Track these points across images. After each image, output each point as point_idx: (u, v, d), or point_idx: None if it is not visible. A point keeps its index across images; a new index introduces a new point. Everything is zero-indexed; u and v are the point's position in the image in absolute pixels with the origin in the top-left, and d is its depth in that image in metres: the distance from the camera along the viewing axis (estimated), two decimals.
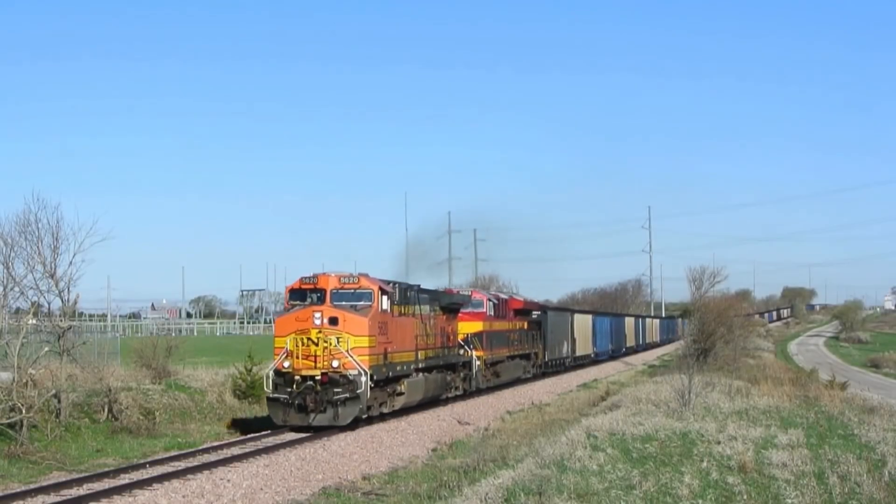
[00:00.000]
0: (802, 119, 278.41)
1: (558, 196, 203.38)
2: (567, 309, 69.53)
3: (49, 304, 28.56)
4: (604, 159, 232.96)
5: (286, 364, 27.52)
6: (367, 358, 27.53)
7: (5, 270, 28.24)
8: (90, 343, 35.33)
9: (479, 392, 40.28)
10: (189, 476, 21.04)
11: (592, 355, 67.31)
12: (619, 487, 17.68)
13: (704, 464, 20.16)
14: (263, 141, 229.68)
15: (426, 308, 33.65)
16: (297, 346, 27.48)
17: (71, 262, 27.80)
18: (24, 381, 25.86)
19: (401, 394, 30.98)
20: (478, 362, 39.64)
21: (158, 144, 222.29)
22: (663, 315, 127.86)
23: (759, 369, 49.49)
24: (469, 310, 40.16)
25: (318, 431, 27.04)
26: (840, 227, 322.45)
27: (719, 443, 22.52)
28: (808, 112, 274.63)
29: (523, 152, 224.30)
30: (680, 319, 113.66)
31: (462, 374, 38.29)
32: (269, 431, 27.66)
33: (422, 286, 34.34)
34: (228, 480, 20.72)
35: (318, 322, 27.56)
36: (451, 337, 36.73)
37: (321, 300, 28.26)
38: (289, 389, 27.30)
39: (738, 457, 20.54)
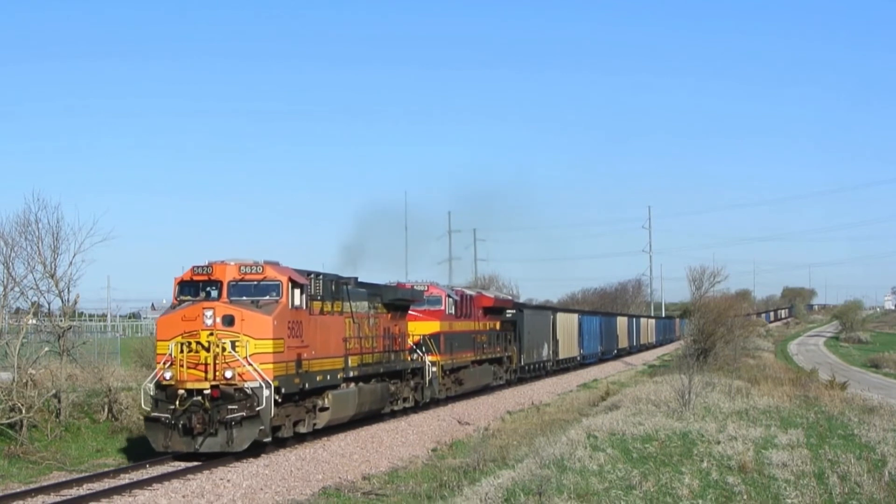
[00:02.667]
0: (803, 119, 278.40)
1: (558, 195, 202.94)
2: (548, 307, 63.64)
3: (49, 304, 28.62)
4: (604, 159, 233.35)
5: (168, 375, 22.66)
6: (271, 366, 22.72)
7: (5, 270, 28.27)
8: (90, 343, 35.41)
9: (436, 403, 35.32)
10: (189, 476, 21.05)
11: (579, 358, 63.33)
12: (619, 487, 17.69)
13: (704, 464, 20.16)
14: (263, 141, 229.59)
15: (363, 305, 28.82)
16: (181, 352, 22.63)
17: (71, 263, 27.92)
18: (24, 381, 25.91)
19: (324, 409, 26.19)
20: (433, 369, 34.32)
21: (159, 144, 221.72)
22: (663, 315, 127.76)
23: (758, 369, 49.50)
24: (424, 307, 35.23)
25: (210, 459, 22.43)
26: (840, 227, 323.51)
27: (719, 443, 22.51)
28: (809, 112, 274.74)
29: (523, 152, 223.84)
30: (678, 319, 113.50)
31: (412, 383, 33.10)
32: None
33: (358, 279, 29.46)
34: (228, 480, 20.73)
35: (209, 322, 22.63)
36: (399, 339, 31.93)
37: (218, 294, 23.38)
38: (171, 407, 22.36)
39: (738, 457, 20.54)
